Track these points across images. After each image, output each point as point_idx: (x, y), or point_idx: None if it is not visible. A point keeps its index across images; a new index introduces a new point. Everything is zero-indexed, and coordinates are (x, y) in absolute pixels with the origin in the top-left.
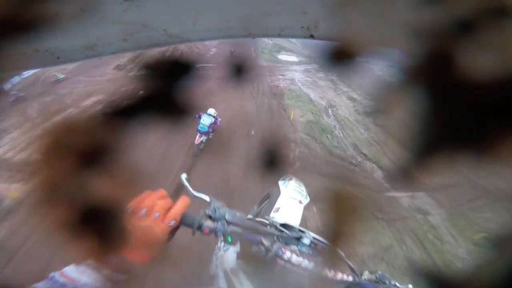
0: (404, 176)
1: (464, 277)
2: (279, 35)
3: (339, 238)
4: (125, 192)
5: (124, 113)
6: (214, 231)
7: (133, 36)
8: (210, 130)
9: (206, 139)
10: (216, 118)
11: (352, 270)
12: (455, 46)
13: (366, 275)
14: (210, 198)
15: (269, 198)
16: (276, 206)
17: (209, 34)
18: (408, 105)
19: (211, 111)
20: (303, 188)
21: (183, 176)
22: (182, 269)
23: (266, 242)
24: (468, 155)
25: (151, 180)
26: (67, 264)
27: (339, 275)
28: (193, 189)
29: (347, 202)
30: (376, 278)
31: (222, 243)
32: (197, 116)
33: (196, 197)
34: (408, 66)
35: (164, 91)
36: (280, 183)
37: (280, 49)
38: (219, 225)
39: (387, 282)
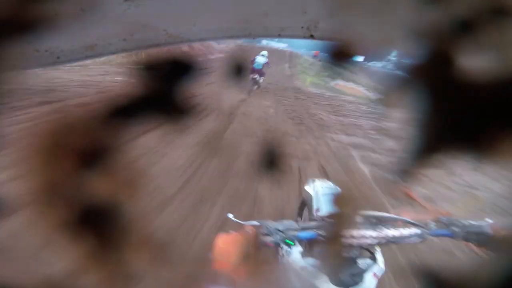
0: (403, 174)
1: (464, 277)
2: (279, 35)
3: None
4: (125, 192)
5: (123, 113)
6: (276, 243)
7: (133, 36)
8: (268, 66)
9: (259, 80)
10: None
11: (416, 224)
12: (455, 46)
13: (432, 224)
14: (258, 221)
15: (305, 204)
16: (315, 208)
17: (209, 34)
18: (408, 104)
19: (264, 53)
20: (330, 183)
21: (231, 216)
22: (184, 269)
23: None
24: (467, 154)
25: (151, 180)
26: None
27: (405, 231)
28: (241, 220)
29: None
30: (445, 223)
31: (284, 250)
32: (252, 58)
33: (247, 225)
34: (408, 66)
35: (164, 91)
36: (307, 188)
37: (334, 73)
38: (277, 237)
39: (458, 223)
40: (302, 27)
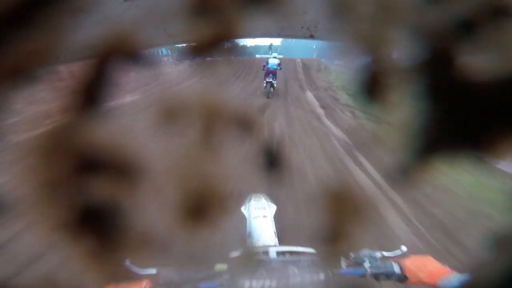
0: (403, 175)
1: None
2: (279, 35)
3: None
4: (126, 192)
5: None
6: None
7: (133, 36)
8: (279, 67)
9: (273, 82)
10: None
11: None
12: (455, 46)
13: (342, 262)
14: (157, 269)
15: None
16: (247, 232)
17: None
18: (408, 104)
19: (275, 55)
20: (263, 201)
21: (127, 263)
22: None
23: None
24: (468, 155)
25: (152, 180)
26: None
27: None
28: (139, 267)
29: (347, 202)
30: (354, 260)
31: None
32: (264, 64)
33: (143, 274)
34: (408, 66)
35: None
36: (242, 209)
37: None
38: None
39: (367, 259)
40: (302, 27)
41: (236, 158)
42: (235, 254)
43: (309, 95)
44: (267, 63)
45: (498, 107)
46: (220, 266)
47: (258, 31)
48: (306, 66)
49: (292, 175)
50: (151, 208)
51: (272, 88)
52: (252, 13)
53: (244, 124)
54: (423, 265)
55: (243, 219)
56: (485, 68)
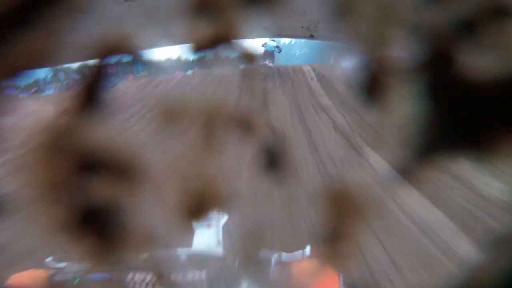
0: (404, 175)
1: (464, 277)
2: (279, 35)
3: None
4: (126, 192)
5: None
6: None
7: (133, 36)
8: (277, 50)
9: (271, 65)
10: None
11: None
12: (455, 46)
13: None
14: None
15: None
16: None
17: None
18: (409, 104)
19: (273, 38)
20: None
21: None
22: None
23: None
24: (468, 154)
25: (153, 180)
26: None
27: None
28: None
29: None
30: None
31: None
32: (263, 44)
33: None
34: (409, 65)
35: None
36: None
37: None
38: (68, 276)
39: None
40: (302, 27)
41: (236, 158)
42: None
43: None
44: (265, 44)
45: (498, 107)
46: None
47: (258, 31)
48: (323, 78)
49: (293, 175)
50: (151, 208)
51: (270, 71)
52: (252, 13)
53: (244, 124)
54: (312, 272)
55: None
56: (485, 68)
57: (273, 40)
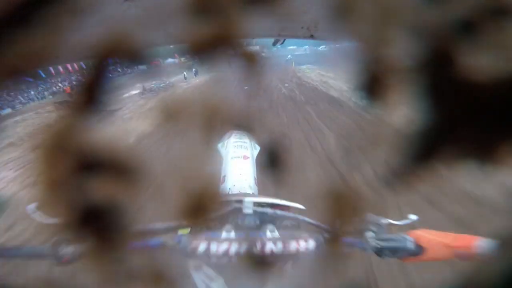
0: (399, 180)
1: (464, 277)
2: (279, 35)
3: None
4: (126, 192)
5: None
6: None
7: (133, 36)
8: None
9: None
10: None
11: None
12: (456, 46)
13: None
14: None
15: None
16: (222, 175)
17: None
18: (409, 104)
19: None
20: (246, 139)
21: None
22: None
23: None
24: (468, 157)
25: (153, 180)
26: None
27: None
28: None
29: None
30: (356, 226)
31: None
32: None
33: None
34: (409, 66)
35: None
36: (219, 146)
37: None
38: None
39: (372, 226)
40: (302, 27)
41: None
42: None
43: None
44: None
45: (499, 108)
46: (184, 230)
47: (258, 31)
48: (323, 78)
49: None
50: (151, 208)
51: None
52: (252, 13)
53: (244, 124)
54: (441, 236)
55: (218, 158)
56: (485, 68)
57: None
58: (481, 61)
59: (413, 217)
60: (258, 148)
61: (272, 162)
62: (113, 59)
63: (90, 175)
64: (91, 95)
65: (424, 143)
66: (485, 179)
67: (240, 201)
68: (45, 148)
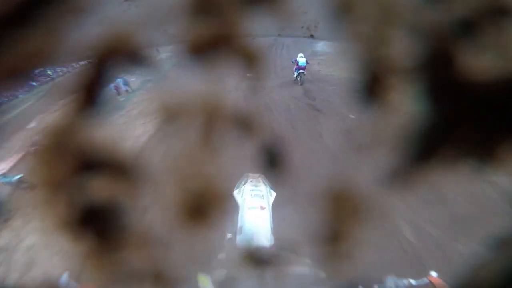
0: (402, 175)
1: (466, 277)
2: (279, 35)
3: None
4: (126, 192)
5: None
6: None
7: (133, 36)
8: (307, 63)
9: (304, 73)
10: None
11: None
12: (455, 46)
13: None
14: None
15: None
16: (238, 225)
17: None
18: (409, 104)
19: (301, 54)
20: (262, 187)
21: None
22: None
23: None
24: (468, 155)
25: (153, 180)
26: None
27: None
28: None
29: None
30: None
31: None
32: (293, 60)
33: None
34: (409, 66)
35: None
36: (235, 193)
37: None
38: None
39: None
40: (302, 27)
41: (236, 158)
42: (221, 257)
43: None
44: (296, 61)
45: (498, 107)
46: (203, 278)
47: (258, 31)
48: (323, 78)
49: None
50: (151, 208)
51: (302, 77)
52: (252, 13)
53: (244, 124)
54: None
55: (235, 207)
56: (485, 68)
57: (301, 57)
58: (481, 61)
59: (433, 273)
60: (273, 194)
61: (271, 163)
62: (113, 59)
63: (90, 175)
64: (91, 95)
65: (424, 143)
66: (484, 179)
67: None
68: (45, 148)
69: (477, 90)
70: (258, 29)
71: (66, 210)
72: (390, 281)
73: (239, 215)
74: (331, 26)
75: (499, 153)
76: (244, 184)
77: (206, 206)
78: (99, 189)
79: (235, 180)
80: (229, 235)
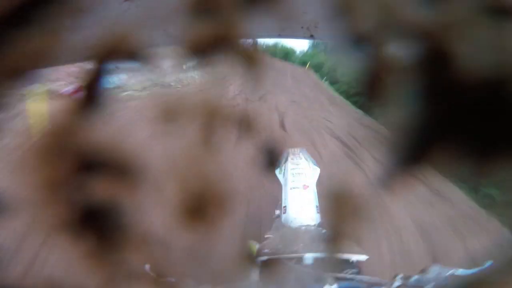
0: (392, 180)
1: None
2: (279, 35)
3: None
4: (126, 192)
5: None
6: None
7: (133, 36)
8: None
9: None
10: None
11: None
12: (455, 46)
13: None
14: None
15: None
16: (282, 204)
17: None
18: (408, 104)
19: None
20: (303, 164)
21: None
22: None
23: None
24: (464, 157)
25: (153, 180)
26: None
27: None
28: None
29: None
30: (415, 282)
31: None
32: None
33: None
34: (408, 66)
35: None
36: (277, 173)
37: None
38: None
39: (432, 281)
40: (302, 27)
41: (236, 157)
42: (268, 235)
43: None
44: None
45: (497, 108)
46: (253, 247)
47: (258, 31)
48: (323, 78)
49: None
50: (151, 208)
51: None
52: (252, 13)
53: (244, 124)
54: None
55: (277, 186)
56: (485, 68)
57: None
58: (480, 61)
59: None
60: (317, 169)
61: (271, 163)
62: (113, 59)
63: (90, 175)
64: (91, 95)
65: (420, 144)
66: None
67: (300, 259)
68: (45, 147)
69: (473, 91)
70: (258, 29)
71: (66, 210)
72: (434, 269)
73: (282, 194)
74: (331, 26)
75: (495, 154)
76: (285, 162)
77: (206, 206)
78: (99, 189)
79: (235, 180)
80: (277, 212)
